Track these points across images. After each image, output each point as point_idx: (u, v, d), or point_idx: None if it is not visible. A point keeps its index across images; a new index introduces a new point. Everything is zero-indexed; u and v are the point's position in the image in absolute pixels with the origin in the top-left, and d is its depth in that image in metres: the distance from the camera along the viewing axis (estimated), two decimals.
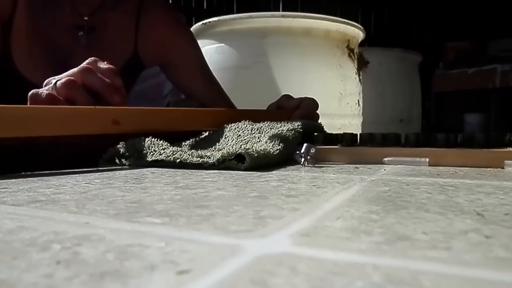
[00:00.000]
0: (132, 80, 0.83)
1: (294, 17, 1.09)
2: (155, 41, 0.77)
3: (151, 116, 0.43)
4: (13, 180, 0.29)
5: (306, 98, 0.67)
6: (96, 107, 0.39)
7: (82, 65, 0.46)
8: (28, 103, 0.42)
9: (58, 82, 0.43)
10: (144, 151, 0.38)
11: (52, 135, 0.35)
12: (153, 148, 0.38)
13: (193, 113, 0.50)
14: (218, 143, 0.44)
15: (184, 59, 0.82)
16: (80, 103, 0.42)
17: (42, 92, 0.42)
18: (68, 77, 0.43)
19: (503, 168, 0.35)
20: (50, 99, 0.41)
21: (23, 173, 0.33)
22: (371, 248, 0.13)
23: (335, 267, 0.11)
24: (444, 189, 0.24)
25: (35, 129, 0.34)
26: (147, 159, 0.38)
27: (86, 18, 0.69)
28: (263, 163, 0.35)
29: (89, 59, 0.48)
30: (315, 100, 0.67)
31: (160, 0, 0.82)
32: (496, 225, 0.16)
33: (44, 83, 0.46)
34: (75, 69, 0.45)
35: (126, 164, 0.39)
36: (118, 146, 0.40)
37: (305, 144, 0.37)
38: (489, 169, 0.34)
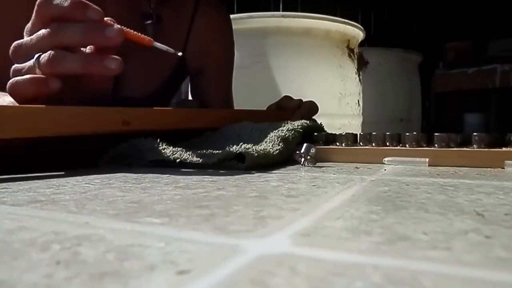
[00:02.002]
0: (176, 88, 0.75)
1: (294, 17, 1.09)
2: (202, 44, 0.71)
3: (159, 116, 0.43)
4: (13, 180, 0.29)
5: (307, 100, 0.67)
6: (107, 107, 0.38)
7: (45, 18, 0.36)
8: (8, 91, 0.35)
9: (43, 59, 0.35)
10: (144, 151, 0.38)
11: (62, 135, 0.34)
12: (153, 148, 0.38)
13: (198, 113, 0.50)
14: (218, 143, 0.44)
15: (218, 67, 0.76)
16: (71, 72, 0.35)
17: (25, 80, 0.35)
18: (52, 54, 0.35)
19: (503, 168, 0.35)
20: (36, 83, 0.34)
21: (24, 174, 0.33)
22: (371, 248, 0.13)
23: (335, 267, 0.11)
24: (444, 189, 0.24)
25: (44, 130, 0.33)
26: (147, 159, 0.38)
27: (152, 6, 0.63)
28: (263, 163, 0.35)
29: (38, 2, 0.36)
30: (315, 103, 0.67)
31: (215, 0, 0.77)
32: (496, 225, 0.16)
33: (12, 51, 0.37)
34: (44, 33, 0.36)
35: (126, 164, 0.39)
36: (118, 146, 0.40)
37: (305, 144, 0.37)
38: (489, 169, 0.34)
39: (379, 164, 0.38)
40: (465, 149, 0.37)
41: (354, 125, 1.26)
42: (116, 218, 0.17)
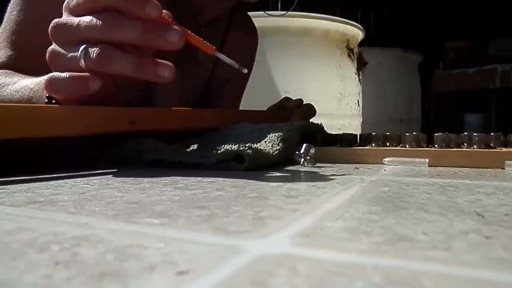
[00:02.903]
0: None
1: (293, 16, 1.09)
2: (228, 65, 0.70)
3: (164, 116, 0.43)
4: (11, 180, 0.29)
5: (306, 103, 0.67)
6: (114, 108, 0.37)
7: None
8: (45, 88, 0.33)
9: (92, 54, 0.32)
10: (143, 151, 0.38)
11: (69, 135, 0.34)
12: (152, 148, 0.38)
13: (201, 113, 0.50)
14: (218, 143, 0.44)
15: (238, 80, 0.75)
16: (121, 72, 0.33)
17: (63, 78, 0.32)
18: (102, 50, 0.32)
19: (503, 168, 0.34)
20: (75, 83, 0.32)
21: (23, 175, 0.33)
22: (371, 249, 0.13)
23: (335, 267, 0.11)
24: (444, 190, 0.24)
25: (51, 130, 0.33)
26: (146, 159, 0.38)
27: (203, 30, 0.59)
28: (262, 163, 0.35)
29: None
30: (314, 106, 0.67)
31: (246, 18, 0.75)
32: (496, 226, 0.16)
33: (52, 29, 0.34)
34: (97, 23, 0.32)
35: (125, 164, 0.39)
36: (117, 146, 0.40)
37: (304, 144, 0.37)
38: (489, 169, 0.34)
39: (379, 165, 0.38)
40: (465, 149, 0.37)
41: (353, 125, 1.26)
42: (115, 219, 0.17)
